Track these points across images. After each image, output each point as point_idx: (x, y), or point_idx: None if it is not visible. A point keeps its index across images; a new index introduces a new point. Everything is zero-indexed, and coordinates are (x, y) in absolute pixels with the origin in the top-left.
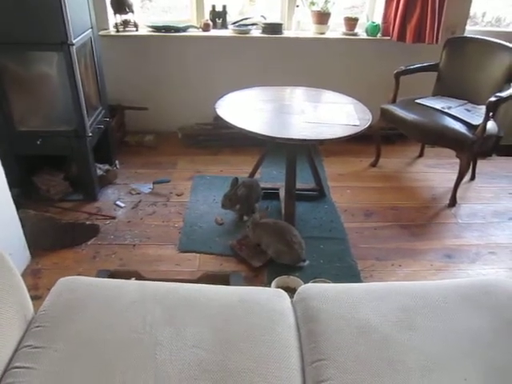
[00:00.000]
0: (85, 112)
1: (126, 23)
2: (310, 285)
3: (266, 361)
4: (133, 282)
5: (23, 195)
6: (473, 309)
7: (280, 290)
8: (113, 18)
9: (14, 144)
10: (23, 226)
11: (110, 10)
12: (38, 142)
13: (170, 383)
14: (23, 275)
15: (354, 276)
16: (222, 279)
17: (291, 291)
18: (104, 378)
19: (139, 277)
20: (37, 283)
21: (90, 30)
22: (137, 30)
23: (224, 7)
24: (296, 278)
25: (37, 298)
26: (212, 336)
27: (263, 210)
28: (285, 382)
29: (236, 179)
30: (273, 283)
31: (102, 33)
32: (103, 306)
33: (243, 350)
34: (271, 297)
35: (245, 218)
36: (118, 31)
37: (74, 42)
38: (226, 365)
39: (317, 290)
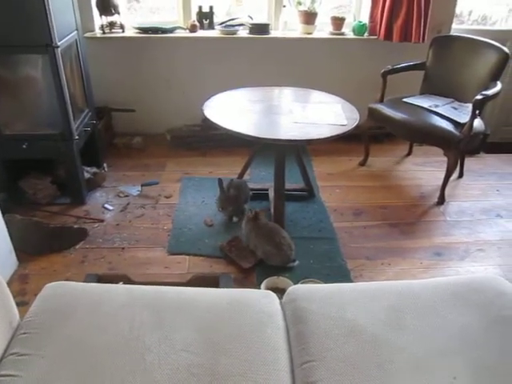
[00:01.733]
0: (71, 115)
1: (112, 25)
2: (298, 286)
3: (255, 363)
4: (121, 286)
5: (9, 200)
6: (462, 307)
7: (269, 291)
8: (99, 20)
9: None
10: (9, 231)
11: (95, 12)
12: (24, 146)
13: None
14: (10, 281)
15: (344, 276)
16: (211, 281)
17: (281, 292)
18: None
19: (128, 280)
20: (24, 289)
21: (75, 31)
22: (123, 32)
23: (211, 8)
24: (285, 278)
25: (24, 304)
26: (200, 339)
27: (263, 210)
28: None
29: (220, 180)
30: (262, 284)
31: (87, 35)
32: (91, 311)
33: (232, 352)
34: (260, 298)
35: (234, 219)
36: (104, 33)
37: (58, 44)
38: (215, 368)
39: (306, 291)
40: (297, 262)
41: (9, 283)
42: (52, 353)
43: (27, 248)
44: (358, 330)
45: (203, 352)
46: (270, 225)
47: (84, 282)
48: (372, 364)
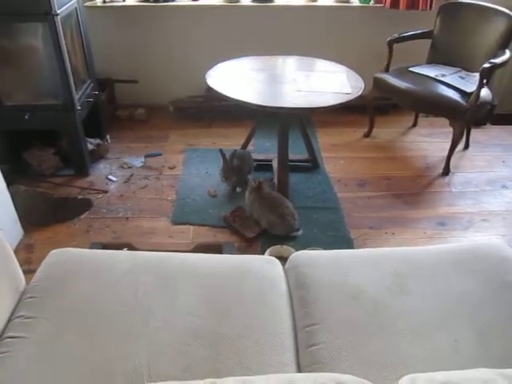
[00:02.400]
0: (72, 85)
1: None
2: (301, 252)
3: (259, 327)
4: (125, 252)
5: (14, 171)
6: (465, 273)
7: (272, 257)
8: None
9: (1, 119)
10: (15, 202)
11: None
12: (26, 117)
13: (163, 350)
14: (16, 250)
15: (347, 245)
16: (215, 250)
17: (284, 260)
18: (96, 346)
19: (132, 249)
20: (30, 258)
21: (75, 0)
22: (124, 1)
23: None
24: (289, 247)
25: (30, 272)
26: (205, 304)
27: (267, 179)
28: (277, 347)
29: (221, 150)
30: (266, 253)
31: (87, 4)
32: (95, 276)
33: (236, 316)
34: (263, 264)
35: (238, 189)
36: (104, 2)
37: (58, 12)
38: (219, 331)
39: (308, 257)
40: (300, 232)
41: (15, 252)
42: (56, 316)
43: (32, 218)
44: (361, 294)
45: (207, 315)
46: (274, 194)
47: None
48: (374, 327)
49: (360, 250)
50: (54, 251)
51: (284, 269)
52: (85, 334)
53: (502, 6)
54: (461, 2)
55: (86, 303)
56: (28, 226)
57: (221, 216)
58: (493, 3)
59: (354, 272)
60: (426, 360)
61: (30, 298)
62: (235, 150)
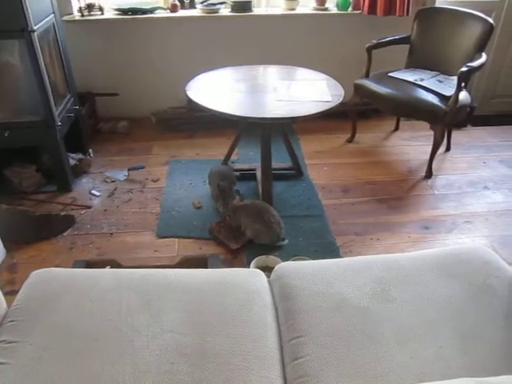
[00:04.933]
0: (52, 101)
1: (90, 7)
2: (286, 263)
3: (244, 341)
4: (108, 270)
5: None
6: (448, 278)
7: (256, 269)
8: (76, 2)
9: None
10: None
11: None
12: (6, 135)
13: (148, 369)
14: None
15: (333, 252)
16: (200, 263)
17: (270, 271)
18: (81, 368)
19: (117, 265)
20: (13, 278)
21: (52, 15)
22: (102, 14)
23: None
24: (275, 257)
25: (14, 293)
26: (189, 320)
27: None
28: (263, 360)
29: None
30: (252, 263)
31: (65, 18)
32: (78, 296)
33: (220, 331)
34: (248, 277)
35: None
36: (82, 15)
37: (34, 28)
38: (204, 347)
39: (292, 268)
40: (286, 241)
41: None
42: (40, 339)
43: (14, 237)
44: (345, 303)
45: (192, 332)
46: (259, 203)
47: (72, 268)
48: (359, 336)
49: (344, 258)
50: (35, 272)
51: (268, 280)
52: (69, 356)
53: (478, 11)
54: (437, 8)
55: (69, 325)
56: (10, 245)
57: (206, 228)
58: (468, 8)
59: (339, 281)
60: (412, 368)
61: (12, 321)
62: (219, 174)
